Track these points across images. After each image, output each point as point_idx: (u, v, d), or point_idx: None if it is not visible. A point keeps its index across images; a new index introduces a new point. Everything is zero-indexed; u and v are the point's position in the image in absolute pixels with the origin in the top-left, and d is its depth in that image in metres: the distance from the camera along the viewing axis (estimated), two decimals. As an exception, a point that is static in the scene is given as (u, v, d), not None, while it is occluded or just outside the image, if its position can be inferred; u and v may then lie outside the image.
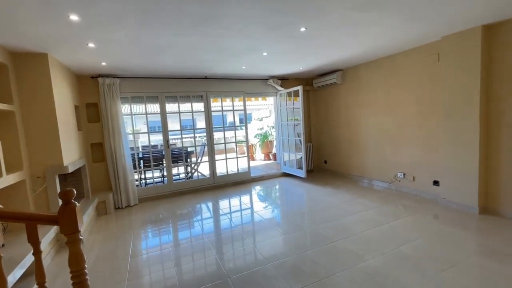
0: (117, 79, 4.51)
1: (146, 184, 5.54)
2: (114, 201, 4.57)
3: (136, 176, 4.95)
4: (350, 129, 5.49)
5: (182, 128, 5.36)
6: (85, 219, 3.42)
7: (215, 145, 5.57)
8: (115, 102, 4.49)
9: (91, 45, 2.95)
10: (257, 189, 5.49)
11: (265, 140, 8.13)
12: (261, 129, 8.40)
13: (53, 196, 3.18)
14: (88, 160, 4.50)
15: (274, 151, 8.25)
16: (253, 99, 8.75)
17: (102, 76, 4.43)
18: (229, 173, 5.75)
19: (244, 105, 5.79)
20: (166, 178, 5.30)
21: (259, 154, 8.49)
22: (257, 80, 5.85)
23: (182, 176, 6.37)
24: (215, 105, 5.95)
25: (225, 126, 5.78)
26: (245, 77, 5.64)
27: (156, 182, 5.45)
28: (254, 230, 3.44)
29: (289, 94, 5.83)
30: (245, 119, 5.85)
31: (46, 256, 2.81)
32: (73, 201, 1.43)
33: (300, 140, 5.57)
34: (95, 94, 4.49)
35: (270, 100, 9.29)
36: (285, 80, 6.07)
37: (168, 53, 3.51)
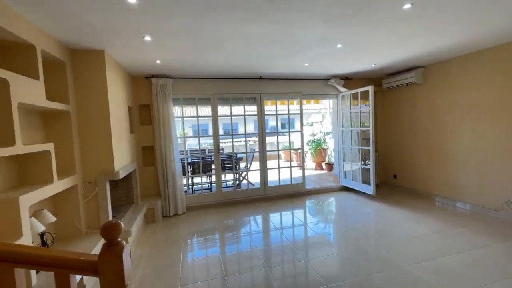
0: (170, 80, 4.27)
1: (193, 191, 5.24)
2: (162, 209, 4.31)
3: (184, 181, 4.67)
4: (433, 137, 4.46)
5: (232, 133, 4.94)
6: (134, 229, 3.13)
7: (267, 152, 5.03)
8: (167, 104, 4.25)
9: (147, 38, 2.64)
10: (313, 204, 4.78)
11: (318, 148, 7.36)
12: (314, 135, 7.65)
13: (103, 203, 2.94)
14: (139, 163, 4.32)
15: (327, 160, 7.43)
16: (304, 102, 8.04)
17: (156, 76, 4.23)
18: (281, 183, 5.15)
19: (301, 108, 5.16)
20: (214, 185, 4.92)
21: (309, 163, 7.74)
22: (316, 80, 5.18)
23: (230, 183, 5.97)
24: (268, 108, 5.43)
25: (278, 131, 5.20)
26: (303, 77, 5.02)
27: (204, 189, 5.11)
28: (313, 264, 2.76)
29: (354, 96, 5.03)
30: (301, 124, 5.21)
31: (92, 272, 2.52)
32: (119, 240, 0.97)
33: (369, 150, 4.72)
34: (148, 95, 4.31)
35: (324, 103, 8.51)
36: (348, 80, 5.29)
37: (226, 48, 3.08)
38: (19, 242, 1.80)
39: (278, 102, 5.39)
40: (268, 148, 5.04)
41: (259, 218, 4.24)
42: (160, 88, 4.22)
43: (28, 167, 2.23)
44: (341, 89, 5.15)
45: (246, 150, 5.12)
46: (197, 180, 5.47)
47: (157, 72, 4.15)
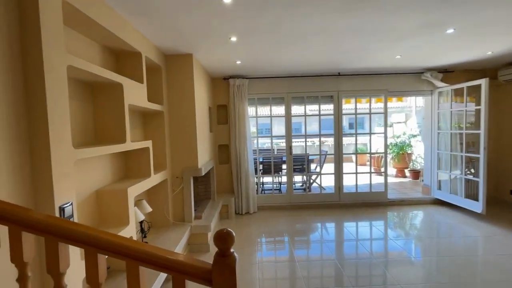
0: (246, 80, 4.32)
1: (263, 191, 5.23)
2: (235, 206, 4.41)
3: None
4: None
5: (306, 133, 4.70)
6: (212, 225, 3.25)
7: (343, 155, 4.62)
8: (243, 104, 4.32)
9: (233, 38, 2.66)
10: (397, 217, 4.16)
11: (401, 152, 6.46)
12: (397, 137, 6.75)
13: (187, 197, 3.13)
14: (216, 161, 4.52)
15: (411, 166, 6.46)
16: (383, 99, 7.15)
17: (233, 77, 4.34)
18: (359, 190, 4.67)
19: (385, 107, 4.55)
20: (285, 186, 4.79)
21: (389, 169, 6.87)
22: (406, 74, 4.49)
23: (298, 185, 5.77)
24: (345, 107, 4.99)
25: (357, 132, 4.72)
26: (390, 71, 4.42)
27: (274, 190, 5.05)
28: (423, 292, 2.29)
29: (457, 92, 4.17)
30: (385, 125, 4.60)
31: None
32: (232, 251, 0.90)
33: (476, 158, 3.83)
34: (225, 95, 4.46)
35: (409, 101, 7.45)
36: (447, 73, 4.42)
37: (308, 43, 2.88)
38: (125, 229, 2.00)
39: (353, 100, 4.89)
40: (348, 151, 4.63)
41: (332, 226, 3.92)
42: (237, 88, 4.31)
43: (131, 162, 2.50)
44: (439, 84, 4.33)
45: (320, 151, 4.83)
46: (266, 180, 5.45)
47: (235, 73, 4.25)
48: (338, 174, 4.62)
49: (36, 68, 1.27)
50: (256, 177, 4.74)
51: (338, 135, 4.57)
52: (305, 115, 4.59)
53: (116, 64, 2.37)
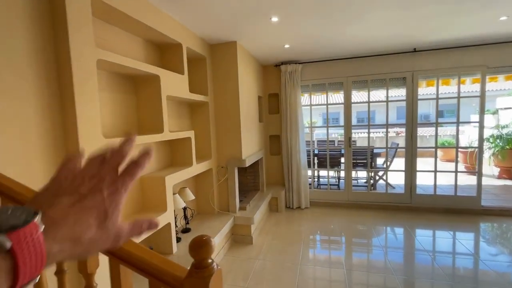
0: (299, 65, 3.99)
1: (319, 185, 4.86)
2: (286, 200, 4.23)
3: (309, 173, 4.39)
4: None
5: (369, 123, 4.08)
6: (257, 217, 3.17)
7: (417, 148, 3.82)
8: (295, 91, 4.02)
9: (274, 19, 2.42)
10: (495, 230, 3.20)
11: (509, 147, 4.95)
12: (502, 127, 5.20)
13: (231, 187, 3.13)
14: (266, 152, 4.41)
15: (524, 165, 4.90)
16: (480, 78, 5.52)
17: (285, 63, 4.07)
18: (438, 192, 3.80)
19: (483, 88, 3.50)
20: (343, 182, 4.32)
21: (487, 168, 5.40)
22: (517, 42, 3.32)
23: (362, 181, 5.14)
24: (421, 91, 4.09)
25: (438, 121, 3.81)
26: (488, 41, 3.35)
27: (331, 185, 4.62)
28: None
29: None
30: (480, 111, 3.56)
31: (220, 251, 2.73)
32: (210, 261, 0.75)
33: None
34: (277, 83, 4.24)
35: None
36: None
37: (373, 12, 2.38)
38: (163, 215, 2.09)
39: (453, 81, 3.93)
40: (418, 143, 3.81)
41: (399, 232, 3.32)
42: (289, 75, 4.03)
43: (176, 151, 2.62)
44: None
45: (386, 144, 4.12)
46: (323, 173, 5.04)
47: (286, 59, 3.97)
48: (410, 171, 3.85)
49: (65, 62, 1.37)
50: (310, 170, 4.43)
51: (412, 125, 3.78)
52: (369, 102, 3.96)
53: (159, 57, 2.47)
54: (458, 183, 3.72)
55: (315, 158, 4.85)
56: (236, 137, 3.09)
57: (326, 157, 4.31)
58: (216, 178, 3.12)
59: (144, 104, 2.15)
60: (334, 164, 4.51)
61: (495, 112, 6.05)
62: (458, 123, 3.71)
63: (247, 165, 3.12)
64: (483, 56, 3.44)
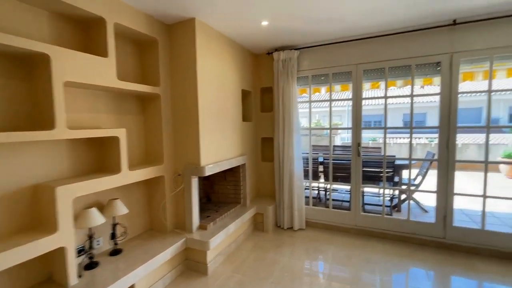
0: (294, 52, 3.20)
1: (320, 201, 3.97)
2: (276, 217, 3.46)
3: (315, 184, 3.51)
4: None
5: (386, 125, 3.06)
6: (216, 242, 2.49)
7: (455, 161, 2.70)
8: (289, 84, 3.23)
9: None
10: None
11: None
12: None
13: (187, 201, 2.52)
14: (256, 158, 3.69)
15: None
16: None
17: (278, 49, 3.32)
18: (487, 227, 2.64)
19: None
20: (350, 202, 3.37)
21: None
22: None
23: (380, 199, 4.07)
24: (468, 84, 2.92)
25: (490, 124, 2.64)
26: None
27: (335, 202, 3.68)
28: None
29: None
30: None
31: (157, 281, 2.14)
32: None
33: None
34: (271, 76, 3.50)
35: None
36: None
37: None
38: (52, 236, 1.58)
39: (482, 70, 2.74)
40: (460, 155, 2.68)
41: (424, 278, 2.32)
42: (282, 65, 3.27)
43: (104, 154, 2.11)
44: None
45: (410, 153, 3.03)
46: (338, 187, 4.09)
47: (279, 43, 3.22)
48: (445, 193, 2.75)
49: None
50: (314, 182, 3.57)
51: (448, 129, 2.69)
52: (386, 97, 2.97)
53: (81, 37, 1.99)
54: None
55: (321, 167, 3.97)
56: (193, 139, 2.47)
57: (329, 167, 3.40)
58: (170, 187, 2.55)
59: (36, 93, 1.68)
60: (343, 176, 3.57)
61: None
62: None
63: (206, 174, 2.47)
64: None
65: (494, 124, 13.45)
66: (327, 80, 3.24)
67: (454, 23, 2.53)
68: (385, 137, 3.08)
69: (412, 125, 2.92)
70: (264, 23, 2.54)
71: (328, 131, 3.65)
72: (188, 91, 2.45)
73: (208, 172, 2.49)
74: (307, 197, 3.45)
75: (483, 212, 2.62)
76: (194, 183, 2.53)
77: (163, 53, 2.44)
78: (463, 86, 2.98)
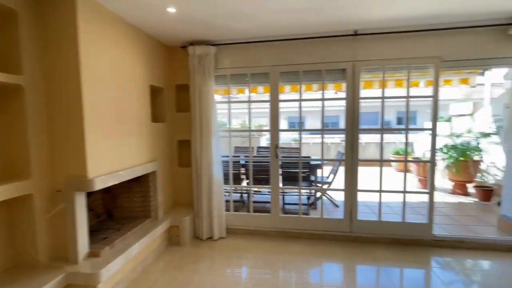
0: (211, 48, 2.96)
1: (245, 203, 3.87)
2: (195, 228, 3.16)
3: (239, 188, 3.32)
4: None
5: (300, 127, 3.16)
6: (110, 271, 2.04)
7: (359, 160, 2.97)
8: (207, 82, 2.98)
9: None
10: (449, 270, 2.42)
11: (463, 159, 4.38)
12: (457, 136, 4.65)
13: (70, 223, 1.97)
14: (172, 163, 3.31)
15: (478, 179, 4.36)
16: (422, 82, 4.79)
17: (194, 43, 3.02)
18: (383, 218, 2.99)
19: (436, 86, 2.75)
20: (270, 204, 3.35)
21: (441, 181, 4.84)
22: (475, 30, 2.60)
23: (296, 198, 4.25)
24: (369, 91, 3.29)
25: (383, 127, 3.00)
26: (444, 25, 2.60)
27: (259, 204, 3.64)
28: None
29: None
30: (433, 116, 2.81)
31: None
32: None
33: None
34: (187, 71, 3.17)
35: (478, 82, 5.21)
36: None
37: None
38: None
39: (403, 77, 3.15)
40: (362, 153, 2.97)
41: (336, 272, 2.43)
42: (198, 61, 2.99)
43: None
44: (545, 41, 2.37)
45: (322, 154, 3.20)
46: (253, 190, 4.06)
47: (195, 37, 2.93)
48: (350, 190, 2.99)
49: None
50: (227, 186, 3.41)
51: (352, 131, 2.92)
52: (300, 100, 3.04)
53: None
54: (410, 199, 2.94)
55: (243, 169, 3.87)
56: (78, 146, 1.94)
57: (249, 168, 3.31)
58: (44, 208, 1.94)
59: None
60: (263, 179, 3.53)
61: (449, 120, 5.59)
62: (407, 130, 2.93)
63: (97, 188, 1.99)
64: (436, 44, 2.69)
65: (387, 126, 16.36)
66: (253, 80, 3.12)
67: (355, 33, 2.76)
68: (300, 139, 3.17)
69: (323, 127, 3.07)
70: (171, 9, 2.21)
71: (255, 132, 3.55)
72: (68, 83, 1.91)
73: (99, 185, 2.00)
74: (228, 202, 3.27)
75: (379, 204, 2.95)
76: (80, 200, 2.00)
77: (28, 33, 1.83)
78: (366, 92, 3.33)
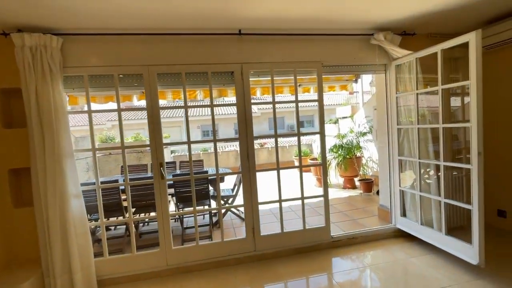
0: (54, 38, 2.14)
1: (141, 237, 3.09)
2: (44, 292, 2.20)
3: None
4: None
5: (189, 139, 2.70)
6: None
7: (256, 171, 2.73)
8: (49, 86, 2.13)
9: None
10: (347, 271, 2.42)
11: (349, 156, 4.91)
12: (343, 137, 5.19)
13: None
14: (1, 204, 2.24)
15: (361, 173, 4.98)
16: (312, 88, 5.19)
17: (24, 30, 2.12)
18: (286, 227, 2.84)
19: (320, 89, 2.80)
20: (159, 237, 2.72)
21: (334, 178, 5.31)
22: (348, 37, 2.79)
23: (203, 219, 3.80)
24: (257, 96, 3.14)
25: (277, 132, 2.88)
26: (324, 31, 2.68)
27: (150, 234, 2.94)
28: None
29: (425, 62, 2.59)
30: (320, 119, 2.86)
31: None
32: None
33: (466, 170, 2.24)
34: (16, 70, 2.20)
35: (356, 87, 6.06)
36: (407, 37, 2.86)
37: None
38: None
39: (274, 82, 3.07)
40: (269, 157, 2.74)
41: None
42: (32, 55, 2.10)
43: None
44: (397, 52, 2.73)
45: (216, 169, 2.81)
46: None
47: (25, 20, 2.04)
48: (251, 205, 2.71)
49: None
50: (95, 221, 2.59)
51: (246, 138, 2.66)
52: (186, 107, 2.57)
53: None
54: (310, 200, 2.88)
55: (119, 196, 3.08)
56: None
57: (128, 194, 2.59)
58: None
59: None
60: (148, 205, 2.86)
61: (336, 122, 6.29)
62: (298, 134, 2.88)
63: None
64: (318, 49, 2.75)
65: (291, 129, 17.92)
66: (113, 82, 2.42)
67: (240, 33, 2.52)
68: (190, 152, 2.68)
69: (215, 137, 2.69)
70: None
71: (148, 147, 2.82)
72: None
73: None
74: (99, 243, 2.44)
75: (281, 216, 2.79)
76: None
77: None
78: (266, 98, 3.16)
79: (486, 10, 2.45)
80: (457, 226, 2.65)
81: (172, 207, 3.34)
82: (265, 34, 2.57)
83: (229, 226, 3.63)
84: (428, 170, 2.74)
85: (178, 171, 4.27)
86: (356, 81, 5.35)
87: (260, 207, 2.73)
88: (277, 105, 2.75)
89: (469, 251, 2.21)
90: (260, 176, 2.73)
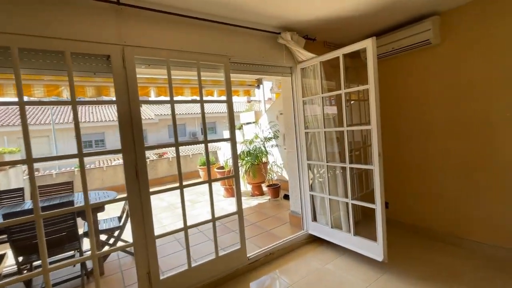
0: None
1: None
2: None
3: None
4: (466, 135, 2.49)
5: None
6: None
7: (150, 194, 2.03)
8: None
9: None
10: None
11: (257, 163, 4.76)
12: (250, 142, 5.01)
13: None
14: None
15: (268, 178, 4.94)
16: (215, 91, 4.82)
17: None
18: (194, 259, 2.25)
19: (228, 87, 2.38)
20: None
21: (242, 186, 5.07)
22: (255, 32, 2.52)
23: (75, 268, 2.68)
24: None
25: (178, 140, 2.27)
26: (229, 20, 2.30)
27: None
28: None
29: (331, 64, 2.64)
30: (230, 123, 2.44)
31: None
32: None
33: (375, 169, 2.32)
34: None
35: (258, 94, 6.07)
36: (309, 42, 2.88)
37: None
38: None
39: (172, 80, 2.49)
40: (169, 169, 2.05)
41: None
42: None
43: None
44: (302, 54, 2.68)
45: (85, 195, 1.90)
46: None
47: None
48: (143, 242, 1.97)
49: None
50: None
51: (134, 149, 1.92)
52: (22, 103, 1.60)
53: None
54: (221, 212, 2.38)
55: None
56: None
57: None
58: None
59: None
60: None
61: (240, 128, 6.15)
62: (205, 142, 2.37)
63: None
64: (225, 42, 2.35)
65: (193, 137, 17.07)
66: None
67: (118, 2, 1.79)
68: (31, 169, 1.69)
69: (81, 151, 1.80)
70: None
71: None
72: None
73: None
74: None
75: (187, 247, 2.17)
76: None
77: None
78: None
79: (373, 24, 2.72)
80: (358, 225, 2.79)
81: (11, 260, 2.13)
82: (156, 10, 1.94)
83: (115, 269, 2.67)
84: (336, 172, 2.79)
85: (28, 202, 2.90)
86: (258, 86, 5.35)
87: (159, 240, 2.04)
88: (177, 111, 2.17)
89: (375, 249, 2.30)
90: (157, 196, 2.04)
